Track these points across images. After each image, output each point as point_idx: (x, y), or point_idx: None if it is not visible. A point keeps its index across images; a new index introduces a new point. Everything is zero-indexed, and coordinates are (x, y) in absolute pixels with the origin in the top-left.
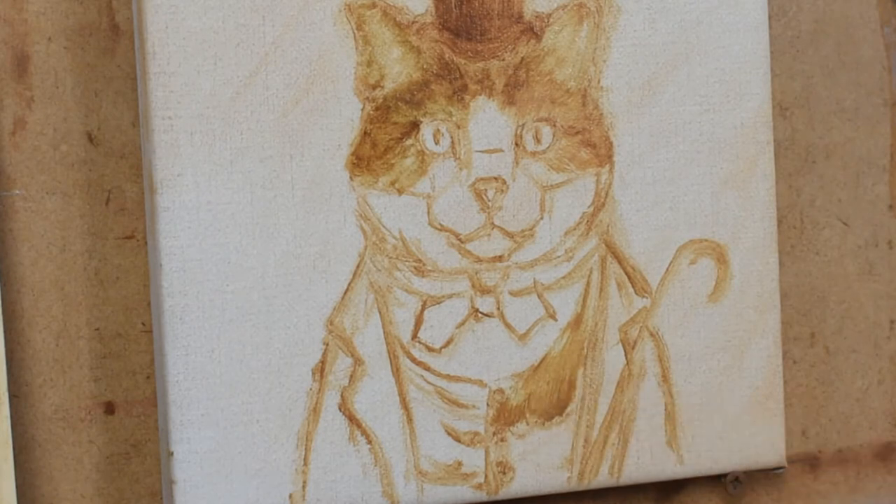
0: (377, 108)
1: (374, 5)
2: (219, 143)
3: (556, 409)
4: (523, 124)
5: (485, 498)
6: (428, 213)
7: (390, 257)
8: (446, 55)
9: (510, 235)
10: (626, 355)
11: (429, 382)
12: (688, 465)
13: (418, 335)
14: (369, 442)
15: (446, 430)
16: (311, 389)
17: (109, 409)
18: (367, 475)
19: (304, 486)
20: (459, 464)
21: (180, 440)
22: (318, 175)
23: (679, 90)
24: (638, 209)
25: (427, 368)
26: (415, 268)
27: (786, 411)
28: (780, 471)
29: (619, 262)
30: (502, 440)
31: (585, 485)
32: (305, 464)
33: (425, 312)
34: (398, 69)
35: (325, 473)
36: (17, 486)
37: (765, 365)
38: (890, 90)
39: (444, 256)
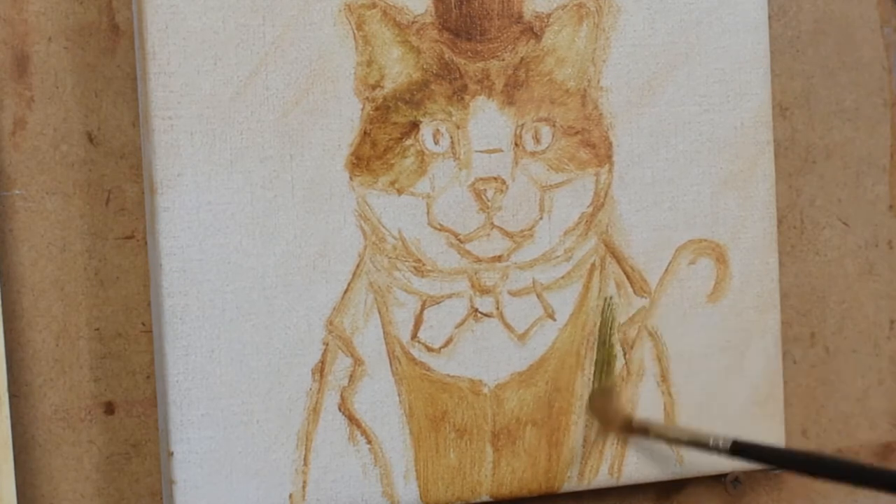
0: (377, 108)
1: (374, 5)
2: (219, 143)
3: (554, 408)
4: (523, 124)
5: (485, 498)
6: (427, 213)
7: (390, 257)
8: (446, 55)
9: (509, 235)
10: (624, 355)
11: (428, 382)
12: (688, 465)
13: (418, 335)
14: (369, 442)
15: (446, 429)
16: (310, 389)
17: (109, 409)
18: (367, 475)
19: (304, 486)
20: (459, 463)
21: (180, 440)
22: (318, 175)
23: (679, 90)
24: (637, 209)
25: (427, 368)
26: (414, 268)
27: (786, 411)
28: (781, 471)
29: (618, 262)
30: (502, 439)
31: (585, 485)
32: (305, 464)
33: (425, 312)
34: (398, 69)
35: (325, 473)
36: (17, 486)
37: (765, 365)
38: (890, 90)
39: (444, 256)
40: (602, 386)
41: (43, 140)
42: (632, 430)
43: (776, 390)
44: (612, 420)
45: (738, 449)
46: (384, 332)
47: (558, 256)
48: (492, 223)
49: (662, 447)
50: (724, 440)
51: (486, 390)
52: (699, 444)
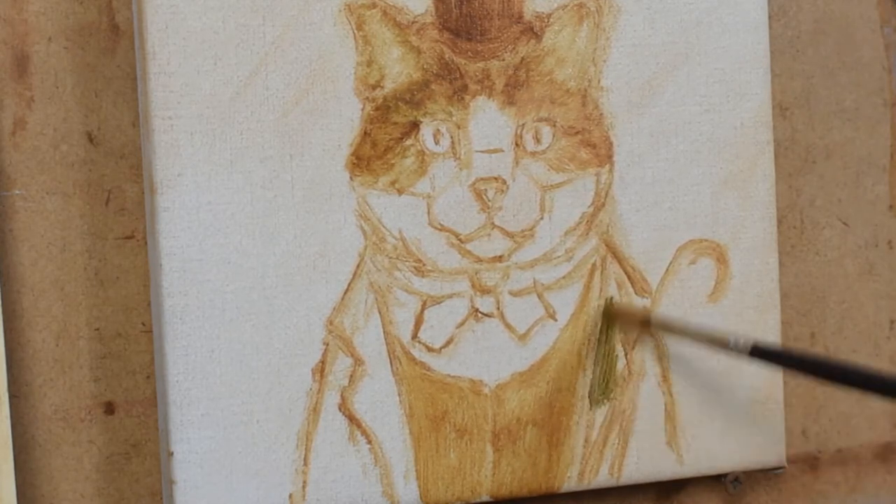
0: (377, 108)
1: (374, 5)
2: (219, 143)
3: (555, 408)
4: (523, 124)
5: (485, 498)
6: (428, 213)
7: (390, 257)
8: (446, 55)
9: (510, 235)
10: (625, 355)
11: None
12: (688, 465)
13: (418, 335)
14: (369, 442)
15: (447, 429)
16: (310, 389)
17: (109, 409)
18: (367, 475)
19: (304, 486)
20: (460, 463)
21: (180, 440)
22: (318, 175)
23: (679, 90)
24: (638, 209)
25: (427, 368)
26: (415, 268)
27: (786, 411)
28: (780, 471)
29: (619, 262)
30: (502, 439)
31: (585, 485)
32: (305, 464)
33: (425, 312)
34: (398, 69)
35: (325, 473)
36: (17, 486)
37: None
38: (890, 90)
39: (444, 256)
40: (611, 299)
41: (43, 140)
42: (651, 326)
43: (776, 390)
44: (631, 319)
45: (758, 351)
46: (384, 332)
47: (559, 256)
48: (492, 223)
49: (663, 446)
50: (745, 341)
51: (486, 390)
52: (719, 343)
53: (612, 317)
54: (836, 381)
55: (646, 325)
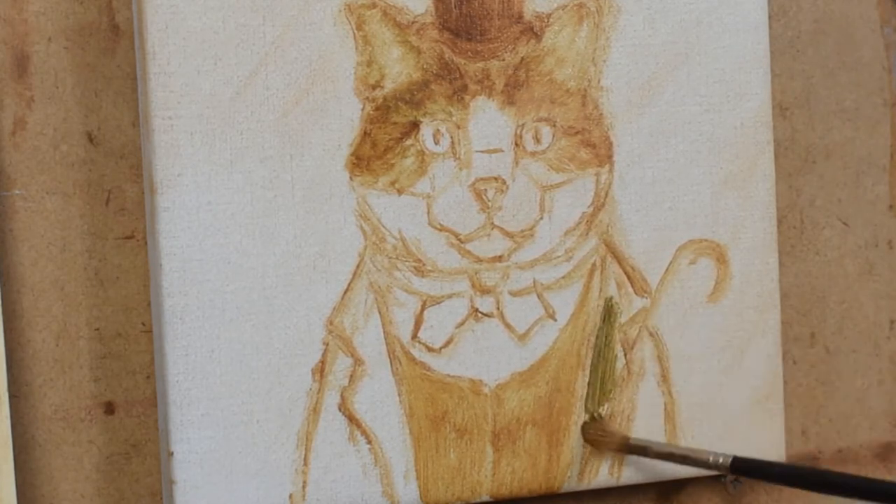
0: (377, 108)
1: (374, 5)
2: (219, 143)
3: (555, 408)
4: (523, 124)
5: (485, 498)
6: (428, 213)
7: (390, 257)
8: (446, 55)
9: (510, 235)
10: (625, 355)
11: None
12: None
13: (418, 335)
14: (369, 442)
15: (447, 429)
16: (310, 389)
17: (109, 409)
18: (367, 475)
19: (304, 486)
20: (460, 463)
21: (180, 440)
22: (318, 175)
23: (679, 90)
24: (637, 209)
25: (427, 368)
26: (414, 268)
27: (786, 411)
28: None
29: (619, 262)
30: (502, 439)
31: (585, 485)
32: (305, 464)
33: (425, 312)
34: (398, 69)
35: (325, 473)
36: (17, 486)
37: (765, 365)
38: (890, 90)
39: (444, 256)
40: (592, 415)
41: (43, 140)
42: (630, 449)
43: (776, 390)
44: (608, 443)
45: (739, 466)
46: (384, 332)
47: (559, 256)
48: (492, 223)
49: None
50: (725, 457)
51: (486, 390)
52: (698, 461)
53: (588, 440)
54: (819, 490)
55: (623, 448)
